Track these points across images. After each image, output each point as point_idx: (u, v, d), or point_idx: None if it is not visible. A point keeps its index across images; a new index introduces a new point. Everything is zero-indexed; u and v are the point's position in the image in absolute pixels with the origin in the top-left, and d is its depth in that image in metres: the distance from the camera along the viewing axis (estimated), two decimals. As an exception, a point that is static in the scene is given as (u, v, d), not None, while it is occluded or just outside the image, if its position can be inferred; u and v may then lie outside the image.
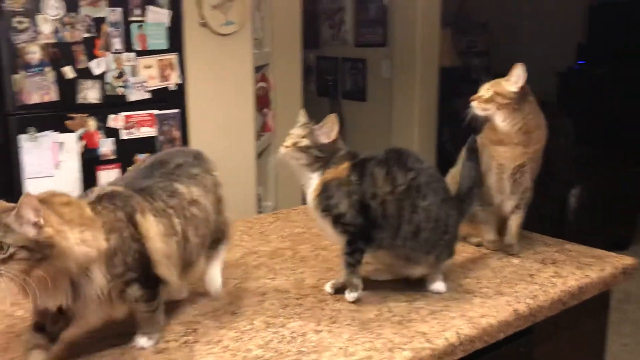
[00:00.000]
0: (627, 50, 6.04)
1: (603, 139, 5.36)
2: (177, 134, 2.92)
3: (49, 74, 2.60)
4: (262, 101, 3.74)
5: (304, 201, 1.48)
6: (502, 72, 1.68)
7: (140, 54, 2.79)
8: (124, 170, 2.78)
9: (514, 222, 1.74)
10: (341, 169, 1.40)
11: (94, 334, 1.25)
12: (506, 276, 1.57)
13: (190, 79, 2.99)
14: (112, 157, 2.76)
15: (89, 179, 2.68)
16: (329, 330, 1.28)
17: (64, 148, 2.65)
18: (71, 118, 2.66)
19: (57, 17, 2.57)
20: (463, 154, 1.61)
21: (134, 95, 2.80)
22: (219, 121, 3.19)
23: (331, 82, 5.55)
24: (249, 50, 3.28)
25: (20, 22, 2.51)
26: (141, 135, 2.83)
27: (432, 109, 4.89)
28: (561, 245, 1.79)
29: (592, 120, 5.56)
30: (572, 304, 1.50)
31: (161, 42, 2.84)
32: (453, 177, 1.70)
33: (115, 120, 2.76)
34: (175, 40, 2.89)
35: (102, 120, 2.73)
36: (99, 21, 2.67)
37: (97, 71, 2.70)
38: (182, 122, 2.94)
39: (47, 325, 1.15)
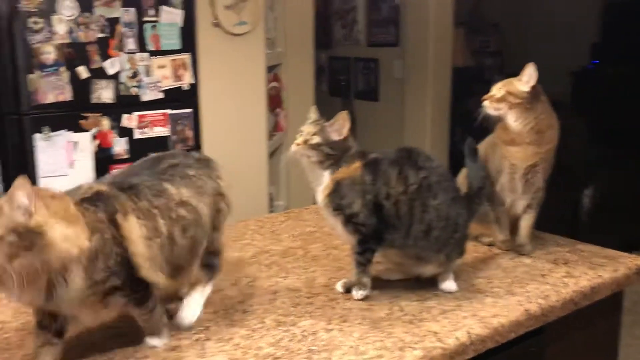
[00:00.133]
0: (642, 49, 5.99)
1: (617, 139, 5.31)
2: (189, 133, 2.94)
3: (64, 74, 2.62)
4: (274, 101, 3.75)
5: (315, 201, 1.49)
6: (515, 72, 1.67)
7: (154, 54, 2.80)
8: (137, 170, 2.80)
9: (526, 222, 1.74)
10: (353, 168, 1.40)
11: (108, 331, 1.26)
12: (518, 276, 1.56)
13: (203, 78, 3.00)
14: (126, 156, 2.78)
15: (102, 178, 2.69)
16: (340, 329, 1.29)
17: (78, 147, 2.67)
18: (85, 117, 2.68)
19: (72, 17, 2.59)
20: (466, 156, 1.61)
21: (147, 95, 2.82)
22: (232, 121, 3.21)
23: (343, 82, 5.55)
24: (262, 50, 3.29)
25: (35, 23, 2.53)
26: (154, 135, 2.85)
27: (445, 109, 4.87)
28: (573, 245, 1.79)
29: (606, 120, 5.52)
30: (584, 305, 1.49)
31: (174, 42, 2.86)
32: (465, 177, 1.70)
33: (129, 120, 2.78)
34: (189, 40, 2.90)
35: (115, 119, 2.75)
36: (113, 21, 2.69)
37: (111, 71, 2.71)
38: (195, 122, 2.96)
39: (48, 322, 1.14)
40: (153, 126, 2.84)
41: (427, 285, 1.49)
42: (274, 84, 3.73)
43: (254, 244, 1.82)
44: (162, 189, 1.24)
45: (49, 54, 2.57)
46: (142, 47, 2.77)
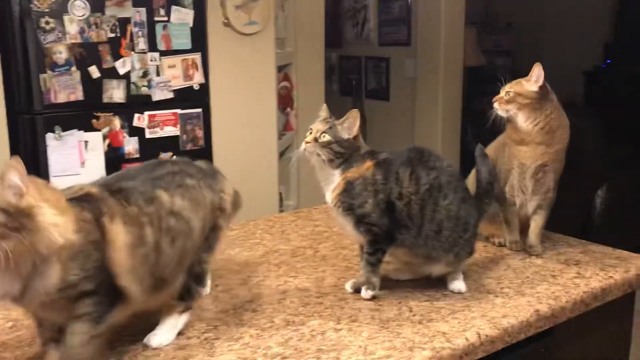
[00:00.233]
0: (655, 49, 5.95)
1: (630, 139, 5.27)
2: (199, 133, 2.95)
3: (75, 74, 2.63)
4: (285, 100, 3.76)
5: (325, 200, 1.48)
6: (528, 71, 1.67)
7: (164, 53, 2.81)
8: (148, 169, 2.81)
9: (537, 223, 1.73)
10: (365, 168, 1.40)
11: (116, 328, 1.26)
12: (528, 277, 1.56)
13: (213, 78, 3.01)
14: (136, 155, 2.79)
15: (113, 178, 2.71)
16: (349, 329, 1.29)
17: (89, 147, 2.69)
18: (97, 117, 2.69)
19: (83, 17, 2.61)
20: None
21: (157, 95, 2.83)
22: (242, 120, 3.21)
23: (354, 82, 5.55)
24: (272, 49, 3.29)
25: (47, 23, 2.55)
26: (165, 135, 2.86)
27: (456, 109, 4.86)
28: (585, 246, 1.78)
29: (619, 120, 5.48)
30: (594, 306, 1.48)
31: (185, 42, 2.87)
32: (474, 178, 1.70)
33: (140, 120, 2.79)
34: (199, 40, 2.91)
35: (126, 119, 2.76)
36: (124, 21, 2.70)
37: (122, 71, 2.73)
38: (205, 122, 2.97)
39: (42, 320, 1.14)
40: (164, 126, 2.85)
41: (437, 285, 1.48)
42: (284, 83, 3.74)
43: (263, 244, 1.82)
44: (155, 195, 1.19)
45: (61, 53, 2.59)
46: (152, 47, 2.78)
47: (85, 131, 2.67)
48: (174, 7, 2.80)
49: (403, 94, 5.09)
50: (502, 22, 6.93)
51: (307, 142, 1.41)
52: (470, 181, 1.65)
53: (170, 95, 2.86)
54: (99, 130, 2.71)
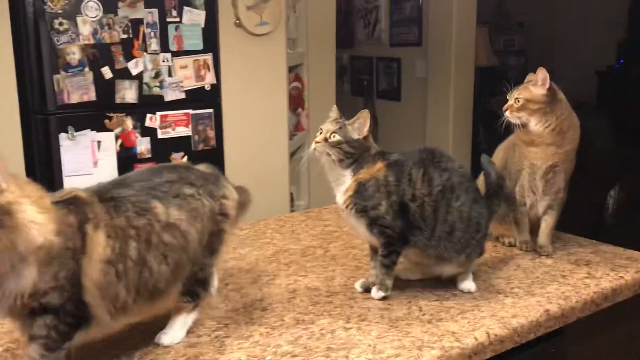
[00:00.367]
0: (669, 48, 5.91)
1: (644, 140, 5.24)
2: (211, 133, 2.96)
3: (88, 75, 2.65)
4: (296, 101, 3.76)
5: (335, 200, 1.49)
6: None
7: (176, 54, 2.83)
8: (159, 169, 2.83)
9: (547, 223, 1.73)
10: (376, 169, 1.40)
11: (127, 326, 1.27)
12: (538, 277, 1.56)
13: (224, 79, 3.02)
14: (148, 156, 2.81)
15: (126, 178, 2.73)
16: (358, 328, 1.29)
17: (102, 147, 2.71)
18: (109, 117, 2.72)
19: (96, 18, 2.63)
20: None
21: (169, 95, 2.85)
22: (253, 120, 3.22)
23: (365, 82, 5.55)
24: (283, 50, 3.30)
25: (60, 24, 2.57)
26: (176, 135, 2.88)
27: (468, 109, 4.84)
28: (596, 246, 1.77)
29: (632, 120, 5.44)
30: (605, 306, 1.48)
31: (197, 43, 2.88)
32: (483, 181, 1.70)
33: (152, 120, 2.81)
34: (211, 40, 2.93)
35: (138, 119, 2.78)
36: (136, 22, 2.72)
37: (134, 71, 2.75)
38: (217, 122, 2.98)
39: None
40: (175, 126, 2.87)
41: (446, 285, 1.48)
42: (295, 83, 3.75)
43: (273, 243, 1.83)
44: (148, 206, 1.14)
45: (74, 54, 2.61)
46: (164, 47, 2.80)
47: (98, 131, 2.70)
48: (185, 8, 2.82)
49: (414, 95, 5.09)
50: (514, 21, 6.90)
51: (317, 142, 1.41)
52: (480, 185, 1.65)
53: (182, 95, 2.88)
54: (112, 130, 2.73)
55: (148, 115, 2.80)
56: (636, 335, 1.69)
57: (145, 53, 2.76)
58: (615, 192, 4.21)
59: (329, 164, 1.42)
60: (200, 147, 2.94)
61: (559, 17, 6.89)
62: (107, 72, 2.69)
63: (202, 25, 2.88)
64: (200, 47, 2.89)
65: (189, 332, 1.28)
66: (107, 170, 2.71)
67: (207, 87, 2.94)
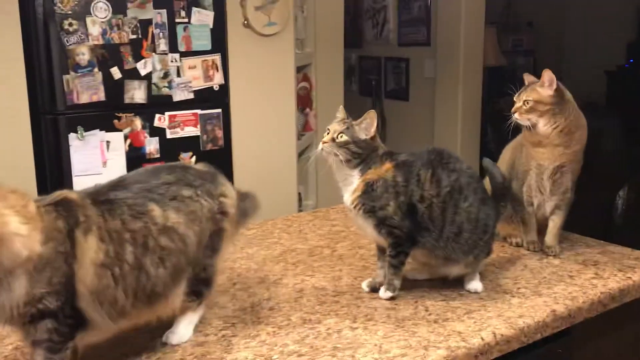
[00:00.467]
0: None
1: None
2: (219, 133, 2.97)
3: (97, 75, 2.67)
4: (304, 101, 3.77)
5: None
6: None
7: (185, 54, 2.85)
8: (168, 169, 2.85)
9: (554, 223, 1.73)
10: (384, 170, 1.40)
11: (136, 325, 1.28)
12: (545, 277, 1.55)
13: (233, 79, 3.04)
14: (157, 155, 2.83)
15: (134, 177, 2.74)
16: (365, 327, 1.30)
17: (111, 147, 2.72)
18: (118, 118, 2.73)
19: (105, 19, 2.65)
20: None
21: (178, 95, 2.86)
22: (261, 120, 3.23)
23: (374, 82, 5.55)
24: (291, 50, 3.31)
25: (70, 25, 2.59)
26: (185, 135, 2.89)
27: (476, 109, 4.84)
28: (603, 246, 1.77)
29: (642, 120, 5.42)
30: (612, 306, 1.48)
31: (205, 43, 2.90)
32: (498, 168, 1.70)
33: (161, 120, 2.83)
34: (219, 41, 2.94)
35: (147, 119, 2.80)
36: (145, 23, 2.73)
37: (143, 72, 2.76)
38: (225, 122, 2.99)
39: None
40: (184, 126, 2.88)
41: (453, 285, 1.49)
42: (303, 84, 3.75)
43: (281, 243, 1.84)
44: (145, 210, 1.12)
45: (84, 55, 2.63)
46: (173, 48, 2.81)
47: (107, 131, 2.71)
48: (194, 9, 2.83)
49: (422, 95, 5.08)
50: (523, 21, 6.88)
51: (325, 143, 1.42)
52: (487, 187, 1.65)
53: (191, 95, 2.89)
54: (121, 130, 2.74)
55: (157, 115, 2.81)
56: (644, 336, 1.68)
57: (154, 53, 2.77)
58: (625, 192, 4.19)
59: (336, 164, 1.42)
60: (209, 147, 2.95)
61: (568, 16, 6.86)
62: (116, 73, 2.71)
63: (211, 26, 2.89)
64: (208, 47, 2.90)
65: (196, 331, 1.29)
66: (116, 170, 2.72)
67: (216, 87, 2.95)
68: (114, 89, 2.71)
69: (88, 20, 2.61)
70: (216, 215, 1.23)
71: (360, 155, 1.41)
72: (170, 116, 2.84)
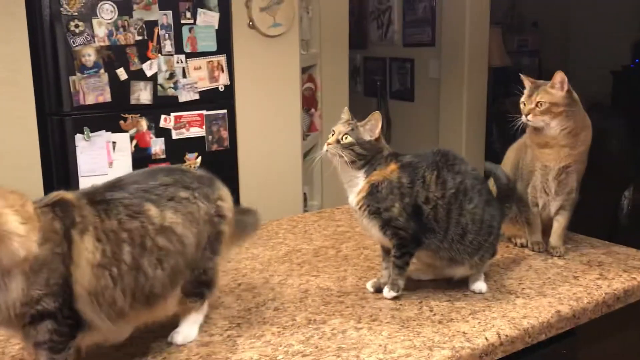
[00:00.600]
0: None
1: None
2: (225, 134, 2.98)
3: (104, 76, 2.69)
4: (309, 101, 3.78)
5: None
6: (554, 72, 1.66)
7: (190, 55, 2.86)
8: (173, 169, 2.86)
9: (559, 224, 1.73)
10: (389, 171, 1.40)
11: (141, 326, 1.29)
12: (550, 277, 1.56)
13: (238, 80, 3.05)
14: (163, 156, 2.84)
15: (140, 178, 2.75)
16: (369, 328, 1.30)
17: (117, 147, 2.74)
18: (124, 118, 2.75)
19: (111, 20, 2.66)
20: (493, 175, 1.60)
21: (184, 96, 2.87)
22: (266, 121, 3.24)
23: (379, 82, 5.55)
24: (296, 51, 3.31)
25: (76, 26, 2.60)
26: (191, 135, 2.90)
27: (481, 109, 4.83)
28: (608, 247, 1.77)
29: (648, 121, 5.40)
30: (617, 307, 1.48)
31: (211, 44, 2.91)
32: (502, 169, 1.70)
33: (166, 121, 2.84)
34: (224, 42, 2.95)
35: (153, 120, 2.81)
36: (151, 24, 2.74)
37: (149, 73, 2.77)
38: (230, 123, 3.00)
39: None
40: (190, 127, 2.89)
41: (457, 285, 1.49)
42: (308, 84, 3.76)
43: (286, 243, 1.85)
44: (142, 209, 1.11)
45: (90, 56, 2.64)
46: (179, 49, 2.82)
47: (113, 132, 2.73)
48: (199, 10, 2.84)
49: (427, 95, 5.08)
50: (528, 21, 6.87)
51: (329, 144, 1.42)
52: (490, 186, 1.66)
53: (196, 96, 2.90)
54: (127, 131, 2.76)
55: (162, 116, 2.83)
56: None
57: (159, 54, 2.78)
58: (630, 193, 4.18)
59: (341, 166, 1.43)
60: (214, 147, 2.96)
61: (573, 16, 6.84)
62: (122, 74, 2.72)
63: (216, 27, 2.90)
64: (214, 48, 2.91)
65: (202, 331, 1.30)
66: (122, 170, 2.73)
67: (221, 88, 2.96)
68: (120, 90, 2.72)
69: (94, 21, 2.63)
70: (214, 218, 1.23)
71: (365, 156, 1.41)
72: (175, 117, 2.86)
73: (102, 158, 2.71)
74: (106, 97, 2.70)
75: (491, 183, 1.59)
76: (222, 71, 2.95)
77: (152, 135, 2.81)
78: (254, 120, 3.18)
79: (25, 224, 0.98)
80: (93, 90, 2.67)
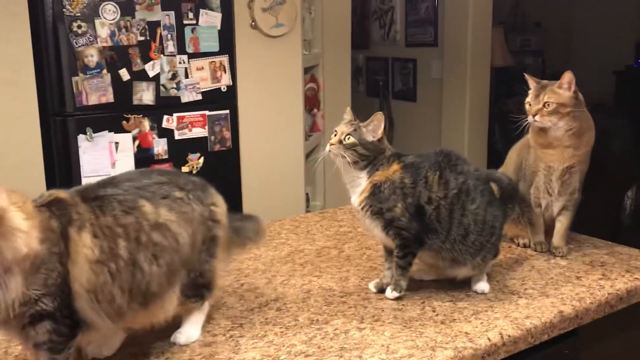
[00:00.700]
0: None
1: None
2: (227, 134, 2.99)
3: (106, 77, 2.69)
4: (311, 102, 3.78)
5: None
6: (557, 72, 1.66)
7: (193, 56, 2.86)
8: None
9: (562, 224, 1.73)
10: (392, 171, 1.40)
11: (147, 328, 1.29)
12: (552, 278, 1.55)
13: (240, 80, 3.05)
14: (165, 157, 2.84)
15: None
16: (372, 328, 1.30)
17: (120, 148, 2.74)
18: (127, 119, 2.75)
19: (114, 21, 2.67)
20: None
21: (186, 97, 2.88)
22: (269, 121, 3.24)
23: (381, 83, 5.55)
24: (299, 51, 3.32)
25: (79, 27, 2.61)
26: (193, 136, 2.90)
27: (483, 110, 4.83)
28: (611, 247, 1.76)
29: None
30: (620, 307, 1.48)
31: (213, 45, 2.91)
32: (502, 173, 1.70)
33: (169, 121, 2.84)
34: (227, 42, 2.95)
35: (156, 120, 2.81)
36: (153, 25, 2.75)
37: (151, 73, 2.78)
38: (233, 123, 3.00)
39: None
40: (192, 127, 2.90)
41: (460, 285, 1.49)
42: (311, 84, 3.76)
43: (288, 243, 1.85)
44: (136, 205, 1.11)
45: (92, 57, 2.65)
46: (181, 49, 2.83)
47: (116, 133, 2.73)
48: (202, 11, 2.85)
49: (430, 95, 5.08)
50: (530, 21, 6.86)
51: (332, 144, 1.42)
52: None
53: (199, 97, 2.91)
54: (129, 131, 2.76)
55: (165, 117, 2.83)
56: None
57: (162, 55, 2.79)
58: (633, 193, 4.17)
59: (344, 166, 1.43)
60: (217, 148, 2.96)
61: (576, 16, 6.84)
62: (124, 74, 2.72)
63: (218, 28, 2.91)
64: (216, 49, 2.92)
65: (204, 331, 1.30)
66: (124, 171, 2.73)
67: (223, 89, 2.97)
68: (123, 90, 2.73)
69: (97, 22, 2.63)
70: (208, 221, 1.23)
71: (368, 157, 1.41)
72: (178, 117, 2.86)
73: (105, 158, 2.72)
74: (109, 97, 2.71)
75: (494, 188, 1.59)
76: (225, 71, 2.95)
77: (154, 136, 2.81)
78: (256, 120, 3.18)
79: (27, 221, 0.99)
80: (96, 91, 2.68)
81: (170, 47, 2.80)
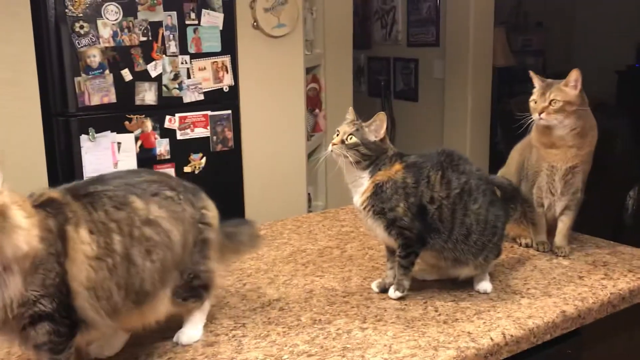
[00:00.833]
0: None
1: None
2: (229, 134, 2.99)
3: (108, 77, 2.69)
4: (313, 102, 3.78)
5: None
6: (558, 71, 1.66)
7: (195, 56, 2.86)
8: (178, 170, 2.87)
9: (564, 224, 1.73)
10: (394, 171, 1.41)
11: (150, 328, 1.29)
12: (555, 277, 1.56)
13: (242, 80, 3.05)
14: (167, 157, 2.85)
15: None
16: (374, 328, 1.30)
17: (122, 148, 2.74)
18: (129, 119, 2.75)
19: (116, 21, 2.67)
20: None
21: (188, 97, 2.88)
22: (271, 122, 3.24)
23: (383, 83, 5.55)
24: (300, 52, 3.32)
25: (81, 27, 2.61)
26: (195, 136, 2.91)
27: (485, 110, 4.83)
28: (613, 247, 1.76)
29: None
30: (622, 307, 1.48)
31: (215, 45, 2.91)
32: (502, 177, 1.70)
33: (171, 121, 2.85)
34: (229, 42, 2.95)
35: (158, 121, 2.81)
36: (155, 25, 2.75)
37: (153, 74, 2.78)
38: (235, 123, 3.01)
39: None
40: (194, 127, 2.90)
41: (462, 285, 1.49)
42: (312, 85, 3.76)
43: (291, 243, 1.85)
44: (126, 201, 1.11)
45: (95, 57, 2.65)
46: (183, 50, 2.83)
47: (118, 133, 2.73)
48: (204, 11, 2.85)
49: (432, 95, 5.08)
50: (532, 21, 6.86)
51: (334, 144, 1.42)
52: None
53: (201, 97, 2.91)
54: (132, 132, 2.76)
55: (167, 117, 2.83)
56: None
57: (164, 55, 2.79)
58: (635, 193, 4.17)
59: (346, 166, 1.43)
60: (219, 148, 2.97)
61: (577, 16, 6.83)
62: (127, 75, 2.72)
63: (220, 28, 2.91)
64: (218, 49, 2.92)
65: (207, 331, 1.30)
66: (126, 171, 2.74)
67: (226, 89, 2.97)
68: (125, 90, 2.73)
69: (99, 22, 2.63)
70: (199, 223, 1.23)
71: (370, 157, 1.42)
72: (180, 117, 2.86)
73: (107, 158, 2.72)
74: (111, 97, 2.71)
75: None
76: (227, 72, 2.95)
77: (157, 136, 2.82)
78: (258, 120, 3.18)
79: (28, 219, 0.99)
80: (98, 91, 2.68)
81: (173, 47, 2.80)
